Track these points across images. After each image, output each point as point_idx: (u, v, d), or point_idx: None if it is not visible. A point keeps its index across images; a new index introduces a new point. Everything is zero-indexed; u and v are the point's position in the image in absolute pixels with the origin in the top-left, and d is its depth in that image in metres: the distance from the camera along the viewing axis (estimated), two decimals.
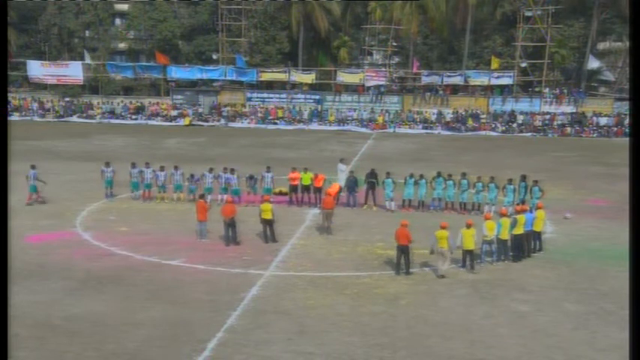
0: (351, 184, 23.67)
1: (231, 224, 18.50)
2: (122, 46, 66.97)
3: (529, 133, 49.55)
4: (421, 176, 23.27)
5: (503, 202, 21.43)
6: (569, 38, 55.69)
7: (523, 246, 17.59)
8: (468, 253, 16.51)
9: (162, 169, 24.02)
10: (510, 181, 22.08)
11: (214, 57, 60.14)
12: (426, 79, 54.28)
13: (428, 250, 16.59)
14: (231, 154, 36.64)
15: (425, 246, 18.33)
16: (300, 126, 52.40)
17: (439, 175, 23.38)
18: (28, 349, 11.67)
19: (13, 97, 56.78)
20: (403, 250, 16.17)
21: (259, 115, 54.31)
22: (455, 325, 13.13)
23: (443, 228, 16.24)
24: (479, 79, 53.59)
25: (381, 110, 53.71)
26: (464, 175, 23.34)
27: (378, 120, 52.59)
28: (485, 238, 16.94)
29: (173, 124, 53.35)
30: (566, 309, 14.10)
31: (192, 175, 23.81)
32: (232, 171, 23.64)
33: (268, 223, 18.78)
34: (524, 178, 22.26)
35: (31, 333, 12.38)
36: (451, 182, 23.01)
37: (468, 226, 16.43)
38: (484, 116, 52.19)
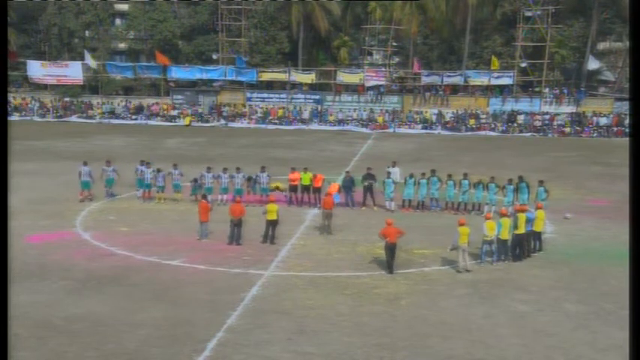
0: (348, 184, 23.65)
1: (237, 224, 18.53)
2: (122, 46, 66.96)
3: (529, 133, 49.55)
4: (423, 175, 23.24)
5: (503, 202, 21.41)
6: (569, 38, 55.68)
7: (522, 246, 17.58)
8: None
9: (158, 171, 23.90)
10: (510, 181, 22.06)
11: (214, 57, 60.12)
12: (425, 79, 54.29)
13: (449, 248, 16.65)
14: (231, 154, 36.64)
15: (424, 246, 18.45)
16: (300, 126, 52.40)
17: (433, 174, 23.29)
18: (28, 349, 11.67)
19: (13, 97, 56.79)
20: (392, 249, 16.22)
21: (259, 115, 54.33)
22: (455, 325, 13.13)
23: (463, 224, 16.35)
24: (479, 79, 53.58)
25: (381, 110, 53.71)
26: (465, 175, 23.32)
27: (378, 120, 52.60)
28: (485, 238, 16.93)
29: (173, 124, 53.37)
30: (566, 309, 14.10)
31: (195, 180, 23.75)
32: (238, 170, 23.66)
33: (272, 224, 18.78)
34: (521, 178, 22.22)
35: (31, 333, 12.38)
36: (451, 182, 22.99)
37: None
38: (484, 116, 52.19)
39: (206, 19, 61.47)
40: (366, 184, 23.54)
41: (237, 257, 17.42)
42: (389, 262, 16.32)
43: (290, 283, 15.48)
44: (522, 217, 17.49)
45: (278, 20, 59.35)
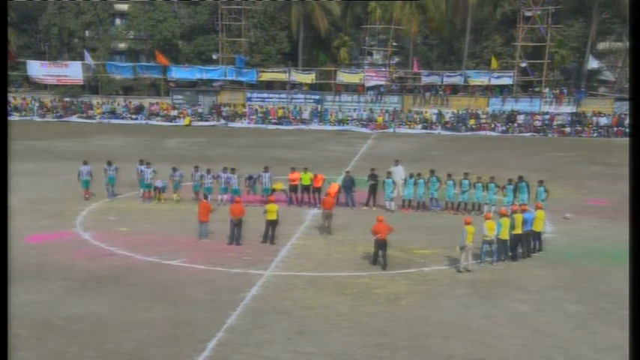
0: (348, 184, 23.63)
1: (237, 224, 18.54)
2: (122, 46, 66.97)
3: (529, 133, 49.55)
4: (419, 175, 23.22)
5: (503, 202, 21.40)
6: (569, 38, 55.68)
7: (520, 246, 17.55)
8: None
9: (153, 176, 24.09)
10: (510, 181, 22.06)
11: (214, 57, 60.19)
12: (425, 79, 54.28)
13: (458, 247, 16.62)
14: (231, 154, 36.63)
15: (424, 246, 18.45)
16: (300, 126, 52.40)
17: (432, 174, 23.27)
18: (28, 349, 11.67)
19: (13, 97, 56.79)
20: (381, 245, 16.36)
21: (259, 115, 54.33)
22: (455, 325, 13.13)
23: (470, 223, 16.41)
24: (479, 79, 53.58)
25: (381, 110, 53.70)
26: (465, 175, 23.31)
27: (378, 120, 52.60)
28: (485, 238, 16.92)
29: (173, 124, 53.38)
30: (566, 309, 14.10)
31: (196, 167, 23.87)
32: (233, 170, 23.68)
33: (272, 224, 18.79)
34: (521, 178, 22.22)
35: (31, 333, 12.38)
36: (451, 182, 22.98)
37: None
38: (484, 116, 52.16)
39: (206, 19, 61.50)
40: (370, 183, 23.54)
41: (237, 257, 17.41)
42: (376, 257, 16.54)
43: (290, 283, 15.47)
44: (519, 217, 17.49)
45: (278, 20, 59.36)
